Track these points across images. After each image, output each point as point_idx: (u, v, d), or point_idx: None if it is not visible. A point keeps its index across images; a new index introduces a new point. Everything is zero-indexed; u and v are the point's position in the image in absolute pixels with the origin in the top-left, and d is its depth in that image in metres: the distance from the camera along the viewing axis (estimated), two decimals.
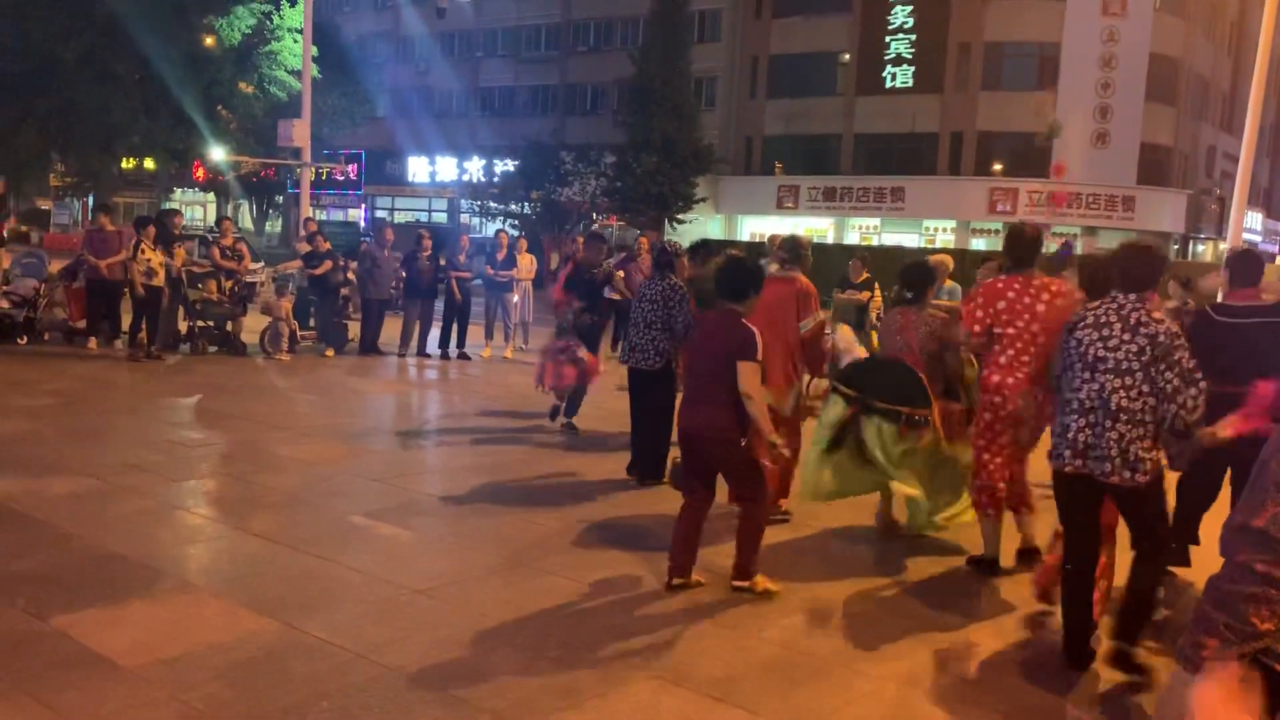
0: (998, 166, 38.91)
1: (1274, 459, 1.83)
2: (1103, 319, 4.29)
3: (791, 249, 7.03)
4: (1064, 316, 5.59)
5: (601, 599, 5.13)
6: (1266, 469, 1.83)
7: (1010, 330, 5.60)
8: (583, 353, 8.79)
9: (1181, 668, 1.88)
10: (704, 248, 8.53)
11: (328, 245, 14.39)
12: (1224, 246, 18.14)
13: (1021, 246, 5.82)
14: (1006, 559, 5.94)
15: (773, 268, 7.58)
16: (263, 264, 17.90)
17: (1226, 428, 4.41)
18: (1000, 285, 5.70)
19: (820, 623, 4.99)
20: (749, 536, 5.24)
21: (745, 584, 5.24)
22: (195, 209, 56.71)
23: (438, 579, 5.30)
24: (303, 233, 15.33)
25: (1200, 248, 41.90)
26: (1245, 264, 5.79)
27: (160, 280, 12.35)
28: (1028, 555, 5.89)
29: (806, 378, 6.77)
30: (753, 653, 4.56)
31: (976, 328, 5.68)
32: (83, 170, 32.20)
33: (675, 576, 5.26)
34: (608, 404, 9.58)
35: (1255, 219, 44.39)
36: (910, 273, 6.63)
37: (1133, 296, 4.26)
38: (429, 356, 14.07)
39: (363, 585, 5.16)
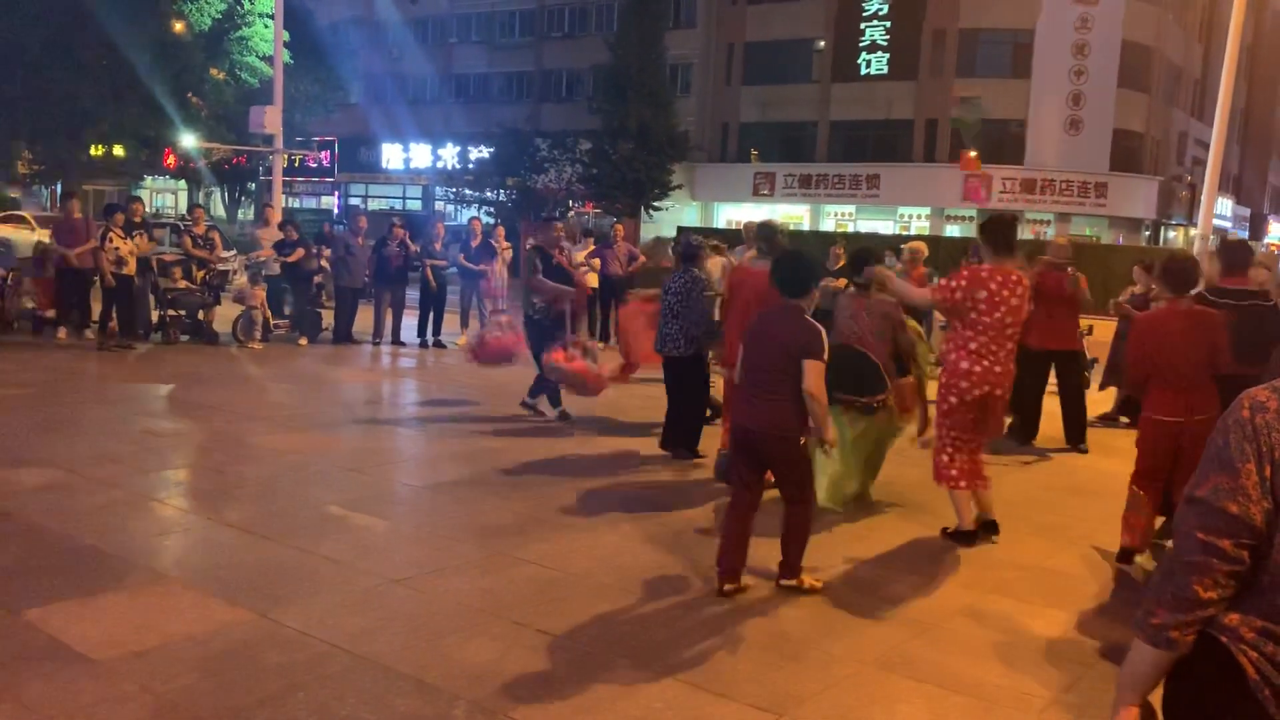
0: (973, 154, 39.04)
1: (1219, 433, 1.87)
2: None
3: (767, 236, 7.22)
4: (1025, 307, 6.03)
5: (579, 587, 5.12)
6: (1212, 442, 1.88)
7: (986, 319, 5.86)
8: (591, 365, 8.87)
9: (1138, 638, 1.93)
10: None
11: (296, 235, 14.28)
12: (1194, 233, 18.30)
13: (1001, 235, 6.07)
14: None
15: (748, 254, 7.72)
16: (235, 252, 17.72)
17: None
18: (984, 275, 5.93)
19: (795, 606, 4.99)
20: (798, 536, 5.15)
21: (793, 582, 5.15)
22: (166, 197, 56.03)
23: (414, 569, 5.27)
24: (263, 221, 15.24)
25: (1171, 234, 42.25)
26: (1237, 253, 6.14)
27: (131, 269, 12.21)
28: (988, 526, 6.21)
29: None
30: (730, 638, 4.57)
31: (951, 303, 5.95)
32: (50, 158, 31.78)
33: (727, 582, 5.07)
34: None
35: (1225, 205, 44.86)
36: (856, 257, 7.06)
37: None
38: (404, 345, 14.01)
39: (339, 575, 5.13)
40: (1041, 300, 9.00)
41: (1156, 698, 1.99)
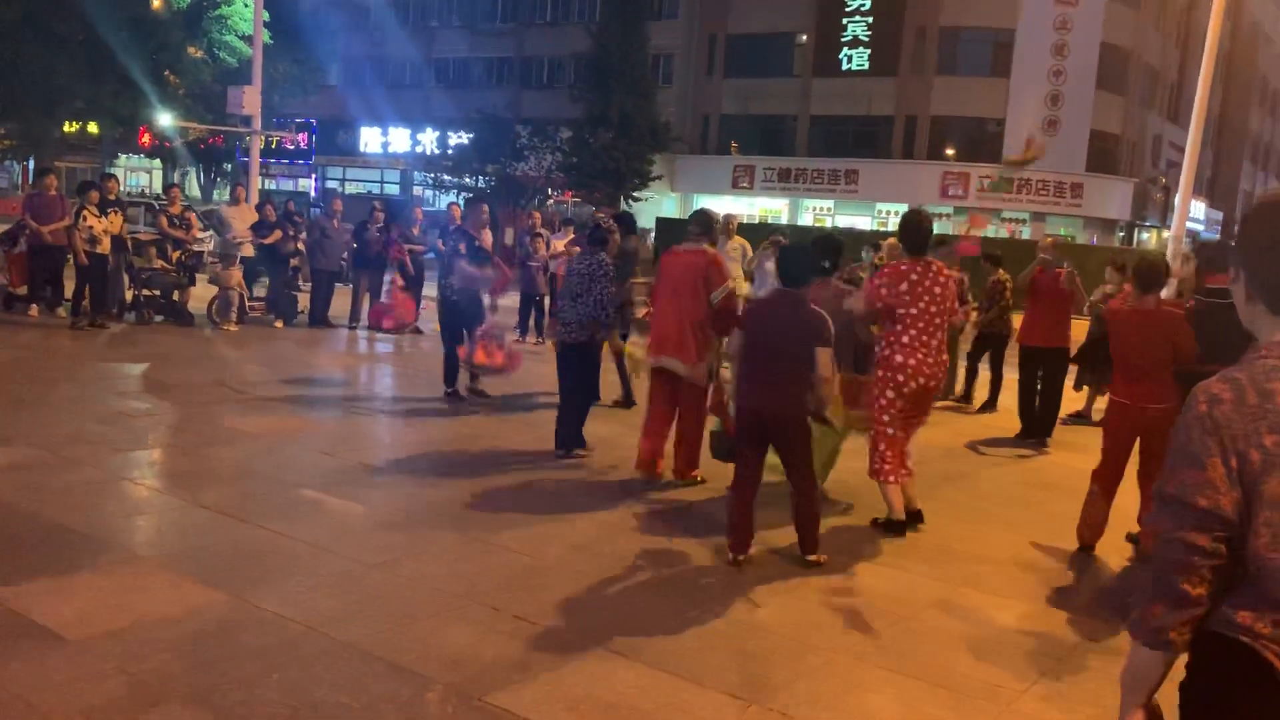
0: (950, 151, 39.25)
1: (1180, 430, 1.88)
2: None
3: (703, 222, 7.21)
4: (952, 297, 6.25)
5: (555, 573, 5.14)
6: (1175, 440, 1.89)
7: (913, 311, 6.08)
8: (514, 342, 9.05)
9: (1135, 642, 1.94)
10: (624, 221, 8.90)
11: (274, 216, 14.21)
12: (1167, 234, 18.49)
13: (918, 233, 6.34)
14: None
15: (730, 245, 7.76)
16: (211, 233, 17.58)
17: None
18: (904, 268, 6.17)
19: (769, 596, 5.04)
20: (813, 515, 5.53)
21: (816, 557, 5.49)
22: (140, 175, 55.42)
23: (390, 553, 5.27)
24: (232, 200, 15.23)
25: (1145, 235, 42.68)
26: (1219, 252, 6.43)
27: (105, 247, 12.09)
28: (913, 516, 6.34)
29: (721, 344, 6.95)
30: (705, 626, 4.60)
31: (879, 304, 6.18)
32: (23, 133, 31.29)
33: (739, 553, 5.43)
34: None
35: (1198, 208, 45.31)
36: (819, 246, 7.25)
37: None
38: (380, 329, 13.94)
39: (314, 558, 5.12)
40: (1036, 299, 9.17)
41: (1160, 698, 1.99)
